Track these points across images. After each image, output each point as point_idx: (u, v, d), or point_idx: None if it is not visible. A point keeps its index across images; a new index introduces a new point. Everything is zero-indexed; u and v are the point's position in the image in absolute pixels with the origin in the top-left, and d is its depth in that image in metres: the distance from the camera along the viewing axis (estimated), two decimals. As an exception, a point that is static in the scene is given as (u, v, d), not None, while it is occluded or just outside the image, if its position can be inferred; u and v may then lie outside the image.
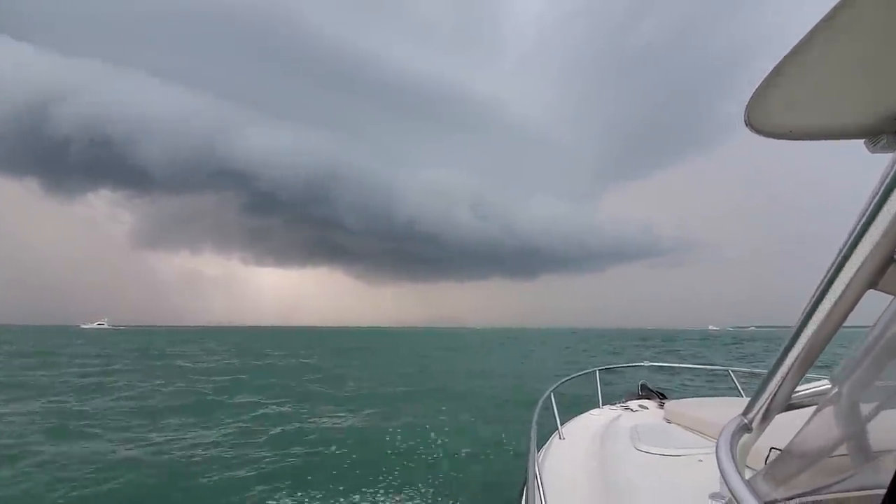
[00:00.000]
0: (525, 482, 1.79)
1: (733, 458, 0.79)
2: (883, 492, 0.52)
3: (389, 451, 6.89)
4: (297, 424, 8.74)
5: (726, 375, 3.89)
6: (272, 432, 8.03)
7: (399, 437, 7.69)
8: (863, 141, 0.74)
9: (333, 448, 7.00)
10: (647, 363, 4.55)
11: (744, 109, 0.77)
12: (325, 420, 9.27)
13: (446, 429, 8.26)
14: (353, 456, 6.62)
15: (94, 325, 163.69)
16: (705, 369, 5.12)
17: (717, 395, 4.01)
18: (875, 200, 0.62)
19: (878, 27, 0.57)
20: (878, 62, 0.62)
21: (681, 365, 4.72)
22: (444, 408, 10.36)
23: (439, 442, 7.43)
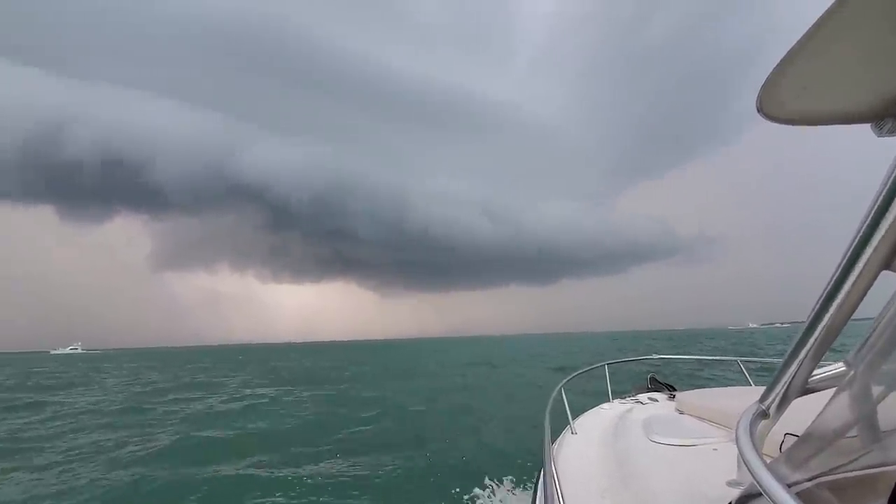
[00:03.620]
0: (539, 475, 1.78)
1: (753, 443, 0.79)
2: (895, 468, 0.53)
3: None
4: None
5: (736, 366, 3.87)
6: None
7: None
8: (869, 125, 0.76)
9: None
10: (655, 356, 4.57)
11: (755, 97, 0.79)
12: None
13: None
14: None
15: (67, 350, 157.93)
16: (714, 360, 5.00)
17: (728, 386, 3.98)
18: (889, 183, 0.63)
19: (883, 12, 0.59)
20: (882, 46, 0.64)
21: (689, 357, 4.68)
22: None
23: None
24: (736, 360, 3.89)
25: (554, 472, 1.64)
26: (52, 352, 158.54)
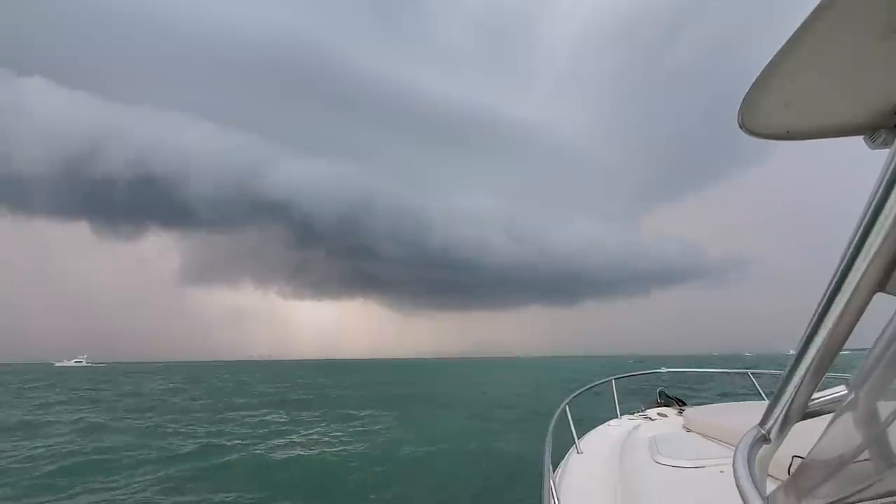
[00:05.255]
0: (541, 499, 1.73)
1: (751, 474, 0.75)
2: None
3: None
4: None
5: (746, 379, 3.74)
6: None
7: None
8: (861, 138, 0.74)
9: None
10: (664, 369, 4.39)
11: (736, 112, 0.77)
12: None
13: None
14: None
15: (72, 363, 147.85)
16: (723, 373, 4.85)
17: (739, 400, 3.84)
18: (875, 199, 0.59)
19: (868, 22, 0.56)
20: (871, 57, 0.61)
21: (698, 370, 4.44)
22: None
23: None
24: (746, 373, 3.74)
25: (553, 493, 1.60)
26: (57, 364, 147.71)
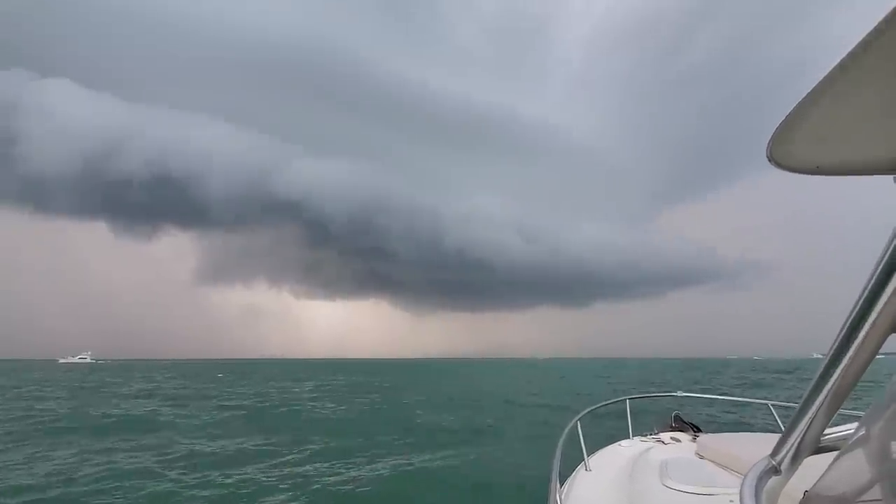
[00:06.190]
0: None
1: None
2: None
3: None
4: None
5: (766, 409, 3.60)
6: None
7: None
8: (892, 177, 0.74)
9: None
10: (680, 393, 4.29)
11: (766, 144, 0.77)
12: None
13: None
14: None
15: (76, 359, 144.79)
16: (742, 401, 4.72)
17: (756, 430, 3.76)
18: (891, 250, 0.61)
19: None
20: None
21: (716, 396, 4.33)
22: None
23: None
24: (766, 404, 3.61)
25: None
26: (61, 360, 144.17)
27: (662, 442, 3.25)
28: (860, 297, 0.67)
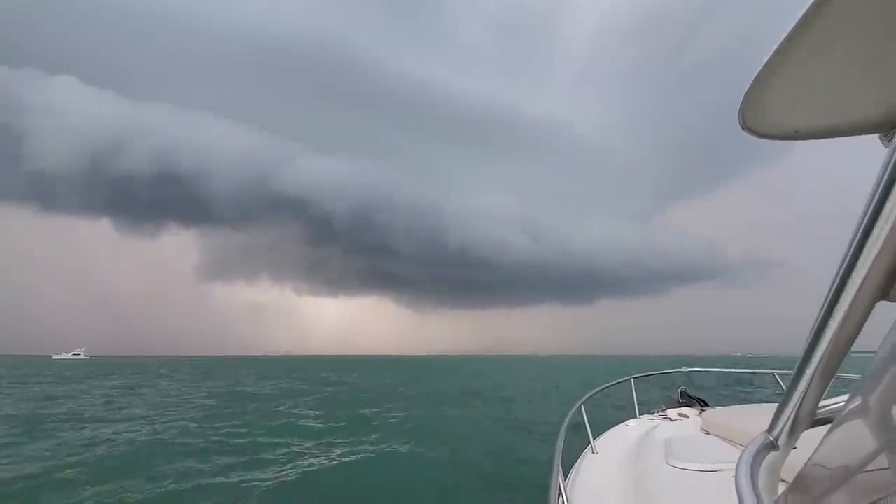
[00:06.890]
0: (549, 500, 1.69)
1: (753, 480, 0.72)
2: None
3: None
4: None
5: (772, 379, 3.56)
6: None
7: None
8: (877, 136, 0.68)
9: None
10: (685, 368, 4.22)
11: (737, 112, 0.70)
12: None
13: None
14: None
15: (70, 356, 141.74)
16: (748, 373, 4.57)
17: (764, 402, 3.67)
18: (873, 203, 0.54)
19: (879, 14, 0.51)
20: (883, 51, 0.56)
21: (722, 370, 4.24)
22: None
23: None
24: (772, 373, 3.56)
25: (563, 494, 1.57)
26: (55, 357, 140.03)
27: (669, 419, 3.21)
28: (841, 262, 0.63)
